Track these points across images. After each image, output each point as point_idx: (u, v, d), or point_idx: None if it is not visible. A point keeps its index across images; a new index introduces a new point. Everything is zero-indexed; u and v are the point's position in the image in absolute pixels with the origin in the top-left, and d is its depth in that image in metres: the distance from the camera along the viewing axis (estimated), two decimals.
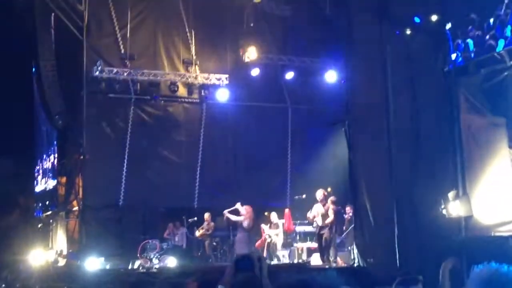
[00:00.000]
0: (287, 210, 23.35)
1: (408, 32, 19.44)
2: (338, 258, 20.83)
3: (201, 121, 25.60)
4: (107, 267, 21.70)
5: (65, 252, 24.40)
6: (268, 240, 22.92)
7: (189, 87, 25.33)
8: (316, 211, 20.56)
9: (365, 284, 15.87)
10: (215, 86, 25.41)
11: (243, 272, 6.72)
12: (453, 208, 17.38)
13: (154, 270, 20.62)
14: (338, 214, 21.42)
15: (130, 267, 22.06)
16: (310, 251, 22.34)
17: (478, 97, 17.64)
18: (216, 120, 25.88)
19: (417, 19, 19.32)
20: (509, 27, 16.50)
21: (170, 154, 25.02)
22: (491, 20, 17.08)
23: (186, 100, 25.51)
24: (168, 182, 24.64)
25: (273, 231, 22.96)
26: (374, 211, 18.87)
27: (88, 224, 22.93)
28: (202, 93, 25.44)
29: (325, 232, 20.28)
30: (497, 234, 16.75)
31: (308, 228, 22.57)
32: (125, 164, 23.97)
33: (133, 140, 24.18)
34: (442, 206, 17.53)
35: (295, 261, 22.25)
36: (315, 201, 20.81)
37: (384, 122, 18.94)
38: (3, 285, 18.82)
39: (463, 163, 17.88)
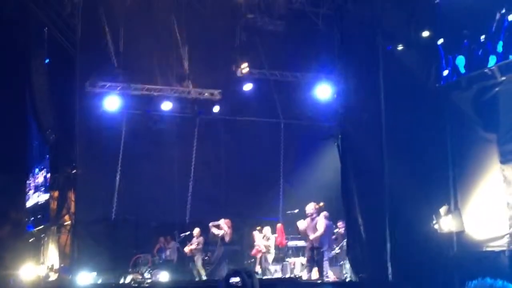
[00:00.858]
0: (279, 225, 23.33)
1: (401, 47, 19.52)
2: (330, 273, 20.79)
3: (193, 135, 25.62)
4: (99, 281, 21.62)
5: (56, 267, 24.26)
6: (260, 248, 22.88)
7: (182, 101, 25.36)
8: (303, 225, 20.50)
9: None
10: (208, 101, 25.45)
11: None
12: (445, 223, 17.41)
13: (146, 285, 20.55)
14: (330, 228, 21.43)
15: (122, 281, 21.98)
16: (302, 266, 22.31)
17: (470, 113, 17.70)
18: (209, 135, 25.92)
19: (409, 35, 19.39)
20: (500, 43, 16.61)
21: (162, 169, 25.01)
22: (483, 37, 17.19)
23: (179, 114, 25.54)
24: (161, 196, 24.61)
25: (264, 242, 22.91)
26: (367, 226, 18.88)
27: (80, 238, 22.84)
28: (195, 108, 25.46)
29: (315, 246, 20.19)
30: (489, 249, 16.76)
31: (301, 243, 22.56)
32: (117, 179, 23.95)
33: (125, 155, 24.15)
34: (434, 221, 17.55)
35: (288, 275, 22.20)
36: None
37: (376, 137, 18.97)
38: None
39: (455, 179, 17.93)
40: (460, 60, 17.95)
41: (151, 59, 24.98)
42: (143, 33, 24.75)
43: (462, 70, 17.90)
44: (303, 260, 22.49)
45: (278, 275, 22.55)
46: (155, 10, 24.76)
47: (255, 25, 24.80)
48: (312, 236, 20.05)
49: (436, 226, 17.56)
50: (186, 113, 25.62)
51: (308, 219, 20.35)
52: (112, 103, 23.89)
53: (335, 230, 22.24)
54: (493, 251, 16.57)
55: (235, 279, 6.66)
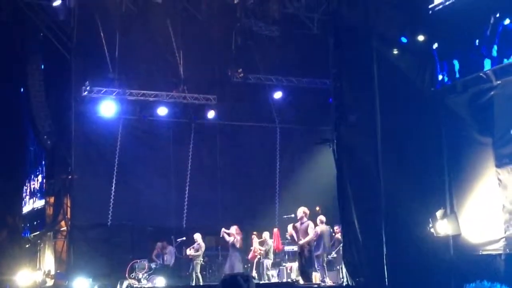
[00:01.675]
0: (275, 230, 23.34)
1: (396, 51, 19.57)
2: (327, 278, 20.82)
3: (189, 141, 25.66)
4: (95, 287, 21.60)
5: (53, 272, 24.30)
6: (257, 253, 22.89)
7: (178, 107, 25.41)
8: (290, 229, 20.53)
9: None
10: (204, 106, 25.48)
11: None
12: (441, 226, 17.44)
13: None
14: (327, 233, 21.47)
15: (118, 287, 21.97)
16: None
17: (465, 117, 17.74)
18: (204, 140, 25.97)
19: (404, 39, 19.47)
20: (495, 47, 16.66)
21: (158, 174, 25.03)
22: (478, 40, 17.25)
23: (175, 120, 25.57)
24: (157, 201, 24.63)
25: (261, 247, 22.90)
26: (363, 230, 18.89)
27: (76, 244, 22.86)
28: (191, 113, 25.51)
29: (305, 251, 20.20)
30: (485, 252, 16.80)
31: (297, 248, 22.56)
32: (113, 184, 23.96)
33: (121, 160, 24.17)
34: (430, 225, 17.59)
35: (284, 280, 22.21)
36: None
37: (371, 141, 19.00)
38: None
39: (451, 182, 17.97)
40: (455, 64, 18.01)
41: (146, 64, 25.03)
42: (139, 38, 24.80)
43: (457, 74, 17.96)
44: None
45: (275, 280, 22.56)
46: (151, 15, 24.81)
47: (250, 30, 24.85)
48: (301, 241, 20.07)
49: (432, 230, 17.60)
50: (182, 118, 25.67)
51: (298, 223, 20.36)
52: (108, 108, 23.90)
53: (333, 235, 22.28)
54: (489, 255, 16.61)
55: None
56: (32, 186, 29.32)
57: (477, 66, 17.23)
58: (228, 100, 25.93)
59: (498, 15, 16.65)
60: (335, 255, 22.04)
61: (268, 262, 22.85)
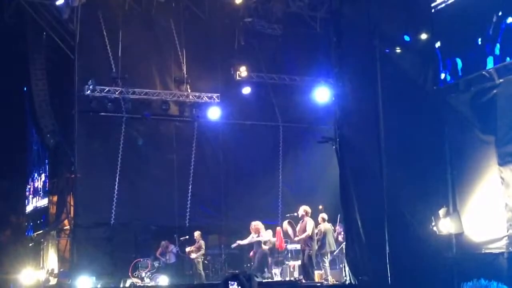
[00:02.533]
0: (278, 228, 23.33)
1: (398, 50, 19.55)
2: (330, 276, 20.82)
3: (192, 139, 25.68)
4: (99, 286, 21.65)
5: (56, 271, 24.36)
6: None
7: (181, 105, 25.43)
8: (285, 225, 20.56)
9: None
10: (207, 105, 25.51)
11: None
12: (444, 225, 17.42)
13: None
14: (330, 231, 21.46)
15: (121, 286, 22.00)
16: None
17: (468, 115, 17.70)
18: (207, 138, 25.98)
19: (407, 38, 19.44)
20: (497, 45, 16.64)
21: (161, 173, 25.06)
22: (480, 39, 17.23)
23: (178, 118, 25.59)
24: (160, 200, 24.66)
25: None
26: (365, 229, 18.89)
27: (79, 242, 22.89)
28: (194, 112, 25.54)
29: (306, 249, 20.19)
30: (488, 251, 16.77)
31: (300, 246, 22.54)
32: (116, 183, 23.98)
33: (125, 159, 24.19)
34: (433, 223, 17.57)
35: (287, 278, 22.20)
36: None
37: (374, 139, 18.99)
38: None
39: (453, 181, 17.94)
40: (457, 63, 17.99)
41: (149, 63, 25.07)
42: (142, 37, 24.85)
43: (460, 73, 17.93)
44: None
45: (278, 278, 22.56)
46: (153, 14, 24.90)
47: (253, 29, 24.90)
48: (297, 238, 20.11)
49: (434, 228, 17.58)
50: (185, 116, 25.69)
51: (300, 222, 20.39)
52: (111, 107, 23.90)
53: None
54: (491, 253, 16.57)
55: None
56: (35, 185, 29.37)
57: (479, 64, 17.18)
58: (231, 99, 25.95)
59: (500, 13, 16.61)
60: (338, 254, 22.02)
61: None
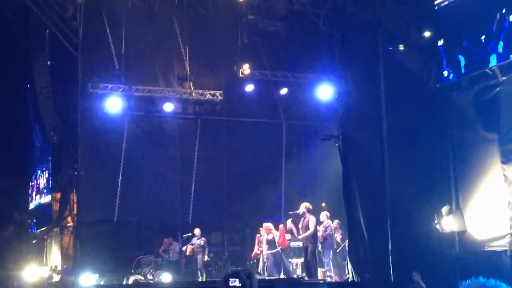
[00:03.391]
0: (281, 226, 23.32)
1: (402, 48, 19.56)
2: (333, 273, 20.83)
3: (195, 136, 25.68)
4: (102, 283, 21.64)
5: (59, 268, 24.34)
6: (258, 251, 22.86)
7: (184, 103, 25.44)
8: (289, 224, 20.53)
9: None
10: (210, 102, 25.51)
11: None
12: (447, 223, 17.45)
13: (149, 286, 20.57)
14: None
15: (124, 283, 22.00)
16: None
17: (471, 113, 17.73)
18: (210, 136, 25.99)
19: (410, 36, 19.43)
20: (501, 43, 16.65)
21: (164, 170, 25.08)
22: (484, 37, 17.23)
23: (181, 116, 25.61)
24: (163, 197, 24.69)
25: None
26: (368, 226, 18.89)
27: (82, 240, 22.88)
28: (197, 109, 25.54)
29: (309, 246, 20.18)
30: (491, 249, 16.80)
31: (302, 243, 22.53)
32: (119, 180, 24.00)
33: (128, 156, 24.20)
34: (436, 221, 17.59)
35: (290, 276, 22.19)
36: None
37: (377, 137, 18.99)
38: None
39: (456, 179, 17.96)
40: (460, 61, 18.00)
41: (152, 60, 25.08)
42: (145, 34, 24.85)
43: (463, 71, 17.94)
44: None
45: (281, 275, 22.54)
46: (157, 11, 24.88)
47: (256, 26, 24.85)
48: (301, 236, 20.09)
49: (438, 226, 17.60)
50: (188, 114, 25.70)
51: (302, 219, 20.37)
52: (114, 104, 23.94)
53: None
54: (494, 251, 16.61)
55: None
56: (38, 182, 29.37)
57: (482, 62, 17.22)
58: (234, 96, 25.95)
59: (504, 11, 16.64)
60: (340, 251, 22.02)
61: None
